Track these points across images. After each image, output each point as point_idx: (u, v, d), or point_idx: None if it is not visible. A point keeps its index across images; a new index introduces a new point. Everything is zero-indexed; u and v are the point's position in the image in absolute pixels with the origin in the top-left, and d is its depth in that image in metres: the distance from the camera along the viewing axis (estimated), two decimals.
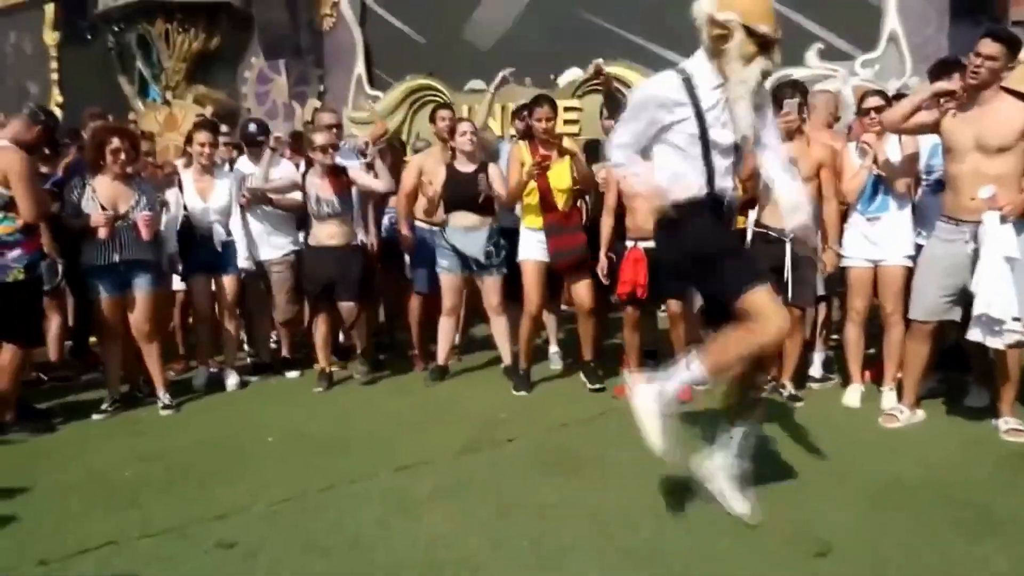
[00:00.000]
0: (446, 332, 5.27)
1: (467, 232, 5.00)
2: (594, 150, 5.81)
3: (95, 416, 4.53)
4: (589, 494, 3.18)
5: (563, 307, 5.78)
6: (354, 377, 5.25)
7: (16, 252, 4.12)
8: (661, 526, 2.87)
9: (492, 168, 5.06)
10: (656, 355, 4.77)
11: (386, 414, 4.51)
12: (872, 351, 4.74)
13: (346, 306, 5.09)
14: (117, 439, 4.15)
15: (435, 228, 5.31)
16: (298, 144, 6.20)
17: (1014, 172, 3.60)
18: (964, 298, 3.78)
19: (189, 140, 5.21)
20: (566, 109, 8.00)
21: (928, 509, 2.95)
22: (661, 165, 2.81)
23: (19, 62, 11.47)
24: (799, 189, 3.00)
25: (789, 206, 2.91)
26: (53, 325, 5.25)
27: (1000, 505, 2.97)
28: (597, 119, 5.34)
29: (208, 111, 9.40)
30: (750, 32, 2.61)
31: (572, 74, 8.86)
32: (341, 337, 5.74)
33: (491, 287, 5.11)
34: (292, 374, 5.42)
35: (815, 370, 4.86)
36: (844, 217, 4.45)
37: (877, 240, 4.30)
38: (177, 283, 5.34)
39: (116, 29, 9.82)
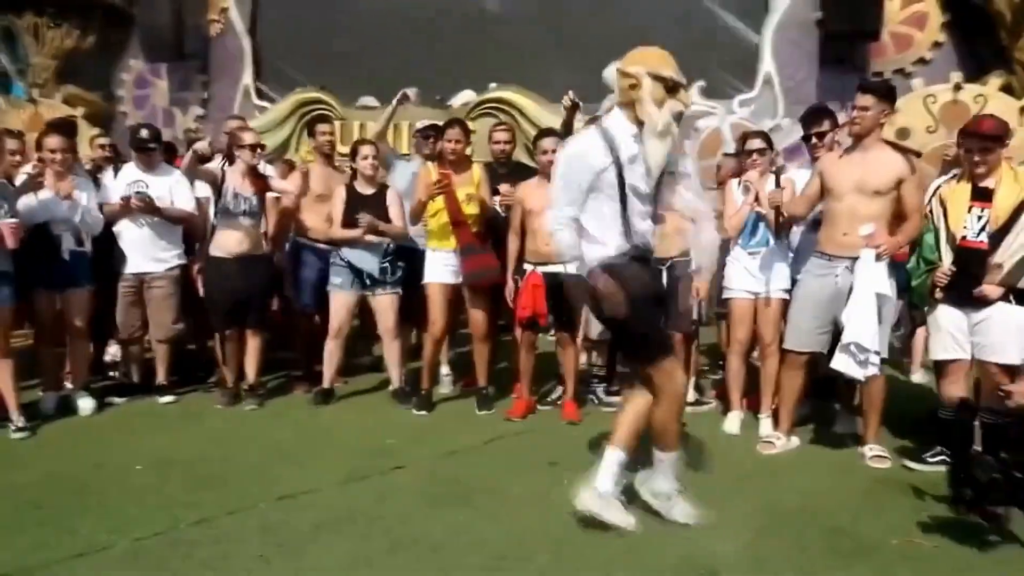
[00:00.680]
0: (332, 354, 5.10)
1: (364, 248, 4.91)
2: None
3: None
4: (482, 525, 3.12)
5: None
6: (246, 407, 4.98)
7: None
8: (556, 557, 2.85)
9: (392, 194, 5.05)
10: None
11: (265, 440, 4.29)
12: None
13: (253, 333, 5.01)
14: None
15: (320, 245, 5.18)
16: (171, 154, 5.90)
17: (886, 214, 3.86)
18: (834, 329, 3.98)
19: (40, 145, 4.73)
20: None
21: (805, 536, 3.07)
22: (587, 219, 3.05)
23: None
24: (713, 235, 3.32)
25: (702, 248, 3.25)
26: None
27: (870, 530, 3.12)
28: (487, 142, 5.39)
29: (79, 112, 8.82)
30: (656, 78, 2.97)
31: (466, 96, 8.90)
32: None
33: (386, 307, 5.02)
34: (166, 399, 5.05)
35: (689, 395, 5.02)
36: (726, 251, 4.64)
37: (757, 273, 4.49)
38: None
39: None
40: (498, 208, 4.98)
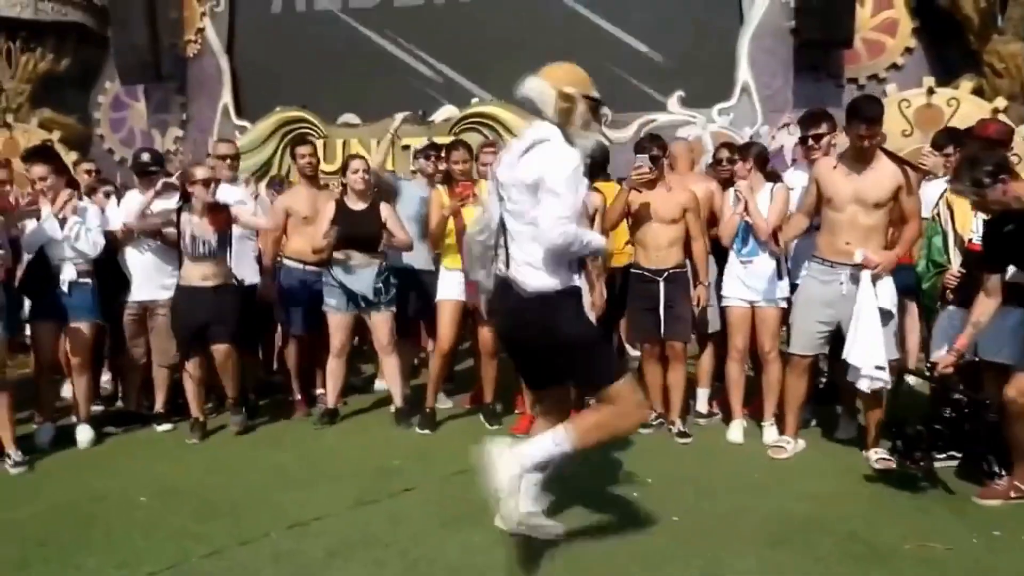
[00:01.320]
0: (335, 373, 5.08)
1: (356, 269, 4.90)
2: None
3: None
4: (497, 545, 3.08)
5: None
6: (229, 427, 4.93)
7: None
8: (572, 574, 2.84)
9: (385, 208, 5.00)
10: None
11: (269, 466, 4.24)
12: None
13: (220, 348, 4.76)
14: None
15: (309, 268, 5.16)
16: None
17: (884, 224, 3.96)
18: (838, 333, 4.06)
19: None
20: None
21: (820, 543, 3.10)
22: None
23: None
24: None
25: None
26: None
27: (883, 535, 3.16)
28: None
29: (55, 136, 8.72)
30: (587, 99, 2.86)
31: (447, 111, 8.94)
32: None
33: (381, 324, 4.99)
34: (164, 427, 4.97)
35: (701, 406, 5.05)
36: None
37: (751, 282, 4.53)
38: None
39: None
40: None
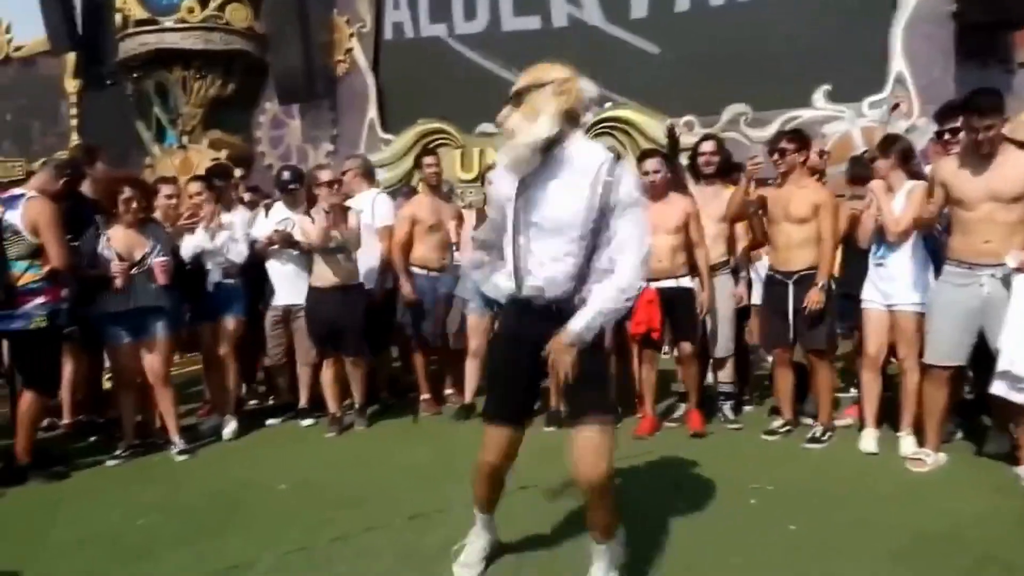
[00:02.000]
0: (473, 372, 5.30)
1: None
2: None
3: (109, 462, 4.54)
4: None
5: None
6: (355, 428, 5.23)
7: (40, 299, 4.20)
8: None
9: None
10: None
11: (398, 461, 4.48)
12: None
13: (357, 366, 5.17)
14: (131, 487, 4.15)
15: (433, 274, 5.41)
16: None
17: None
18: (980, 341, 3.76)
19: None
20: None
21: (951, 562, 2.90)
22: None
23: (38, 108, 11.70)
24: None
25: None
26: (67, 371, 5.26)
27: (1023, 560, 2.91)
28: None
29: (223, 155, 9.53)
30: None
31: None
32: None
33: None
34: (307, 421, 5.36)
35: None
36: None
37: (885, 285, 4.30)
38: None
39: (135, 76, 9.99)
40: None
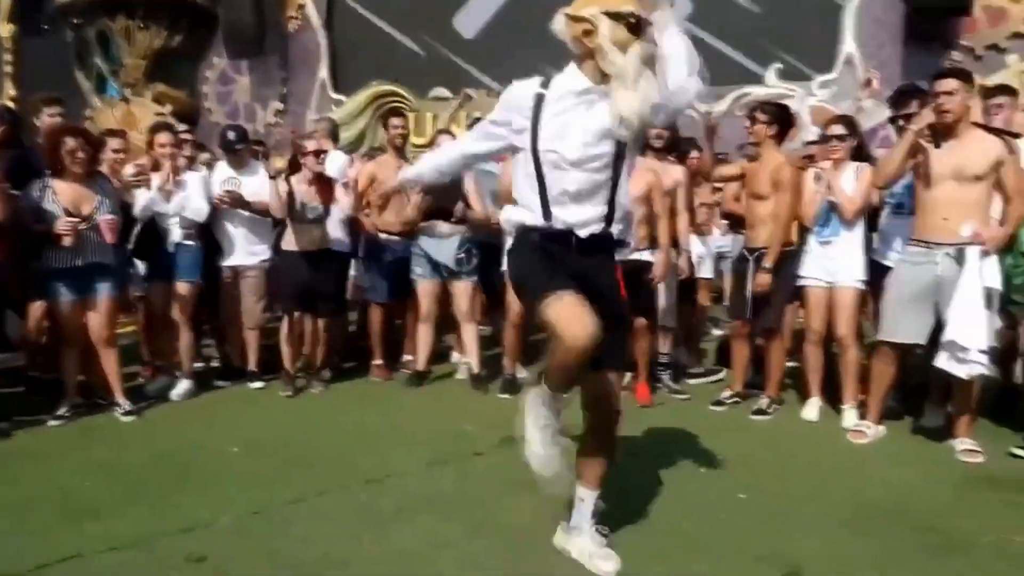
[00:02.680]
0: (424, 338, 5.31)
1: (439, 240, 5.08)
2: None
3: (51, 422, 4.42)
4: (560, 510, 3.15)
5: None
6: (312, 389, 5.21)
7: None
8: (635, 545, 2.86)
9: (468, 180, 5.10)
10: None
11: (351, 425, 4.48)
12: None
13: (322, 320, 5.16)
14: (75, 447, 4.05)
15: (394, 237, 5.34)
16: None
17: (985, 200, 3.74)
18: (933, 321, 3.86)
19: (152, 143, 5.08)
20: None
21: (895, 532, 3.01)
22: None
23: None
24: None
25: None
26: None
27: (963, 527, 3.04)
28: None
29: (167, 109, 9.23)
30: (615, 17, 2.40)
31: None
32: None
33: (462, 292, 5.18)
34: (256, 384, 5.31)
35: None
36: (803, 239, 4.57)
37: (830, 263, 4.41)
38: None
39: (75, 23, 9.56)
40: None
